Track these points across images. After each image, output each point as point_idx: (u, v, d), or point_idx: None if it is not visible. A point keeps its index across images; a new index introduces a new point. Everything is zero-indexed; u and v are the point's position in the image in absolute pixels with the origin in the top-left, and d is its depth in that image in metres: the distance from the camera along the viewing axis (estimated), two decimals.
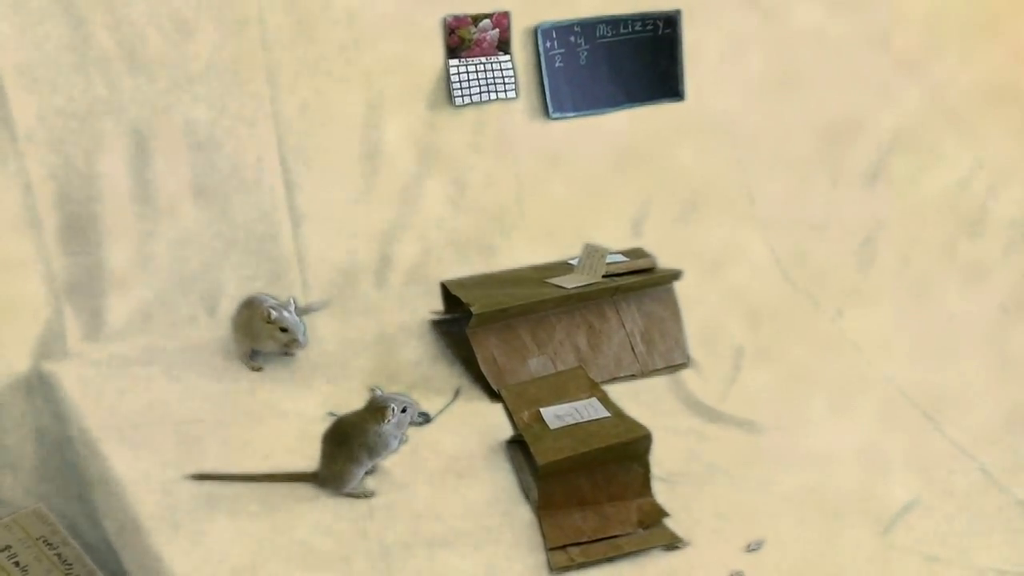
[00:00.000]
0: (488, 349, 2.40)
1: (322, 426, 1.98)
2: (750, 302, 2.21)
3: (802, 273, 2.19)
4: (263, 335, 2.30)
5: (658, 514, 2.01)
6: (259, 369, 2.33)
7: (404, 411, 1.99)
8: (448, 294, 2.48)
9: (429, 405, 2.27)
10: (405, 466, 2.03)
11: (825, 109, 2.23)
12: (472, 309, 2.34)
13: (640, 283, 2.48)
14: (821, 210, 2.15)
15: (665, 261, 2.36)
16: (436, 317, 2.54)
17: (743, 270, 2.26)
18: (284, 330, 2.26)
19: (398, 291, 2.47)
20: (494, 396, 2.33)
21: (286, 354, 2.33)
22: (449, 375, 2.38)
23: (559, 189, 2.31)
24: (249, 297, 2.35)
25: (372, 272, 2.50)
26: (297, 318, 2.28)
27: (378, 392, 2.01)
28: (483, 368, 2.37)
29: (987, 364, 2.04)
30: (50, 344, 2.06)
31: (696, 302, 2.19)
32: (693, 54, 2.25)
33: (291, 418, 2.09)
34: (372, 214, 2.42)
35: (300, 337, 2.27)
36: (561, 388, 2.20)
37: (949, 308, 2.10)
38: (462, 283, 2.49)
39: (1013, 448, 1.91)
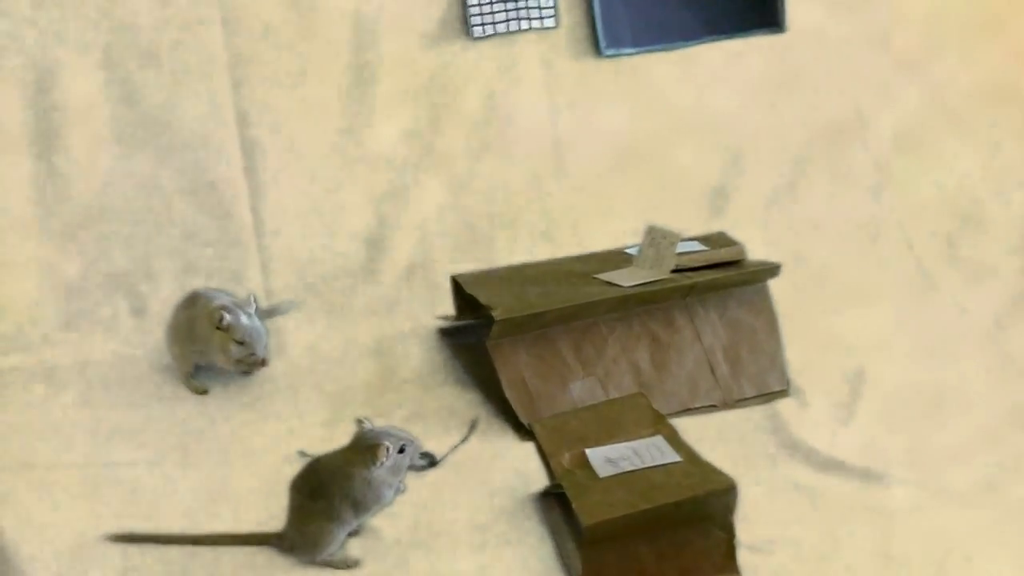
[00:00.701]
0: (516, 368, 2.38)
1: (291, 470, 1.97)
2: None
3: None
4: (211, 346, 2.28)
5: None
6: (203, 392, 2.33)
7: (402, 451, 1.99)
8: (462, 293, 2.46)
9: (435, 444, 2.25)
10: (401, 526, 2.03)
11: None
12: (493, 314, 2.32)
13: (723, 280, 2.47)
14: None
15: None
16: (445, 324, 2.54)
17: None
18: (240, 343, 2.25)
19: (393, 289, 2.50)
20: (524, 432, 2.31)
21: (243, 373, 2.32)
22: (463, 402, 2.39)
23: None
24: (191, 293, 2.31)
25: (358, 264, 2.52)
26: (259, 324, 2.27)
27: (367, 425, 2.00)
28: (508, 394, 2.35)
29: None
30: None
31: None
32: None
33: (248, 459, 2.12)
34: (357, 188, 2.50)
35: (260, 350, 2.25)
36: (615, 422, 2.19)
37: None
38: (480, 278, 2.49)
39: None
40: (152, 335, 2.35)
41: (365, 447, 1.97)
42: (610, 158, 2.55)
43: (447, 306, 2.54)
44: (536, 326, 2.38)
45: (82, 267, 2.33)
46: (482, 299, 2.39)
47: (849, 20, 2.62)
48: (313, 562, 1.96)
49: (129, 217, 2.38)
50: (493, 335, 2.35)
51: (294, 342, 2.39)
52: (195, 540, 1.94)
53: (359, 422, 2.00)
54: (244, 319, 2.25)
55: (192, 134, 2.38)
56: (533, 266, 2.59)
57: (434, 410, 2.36)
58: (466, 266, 2.51)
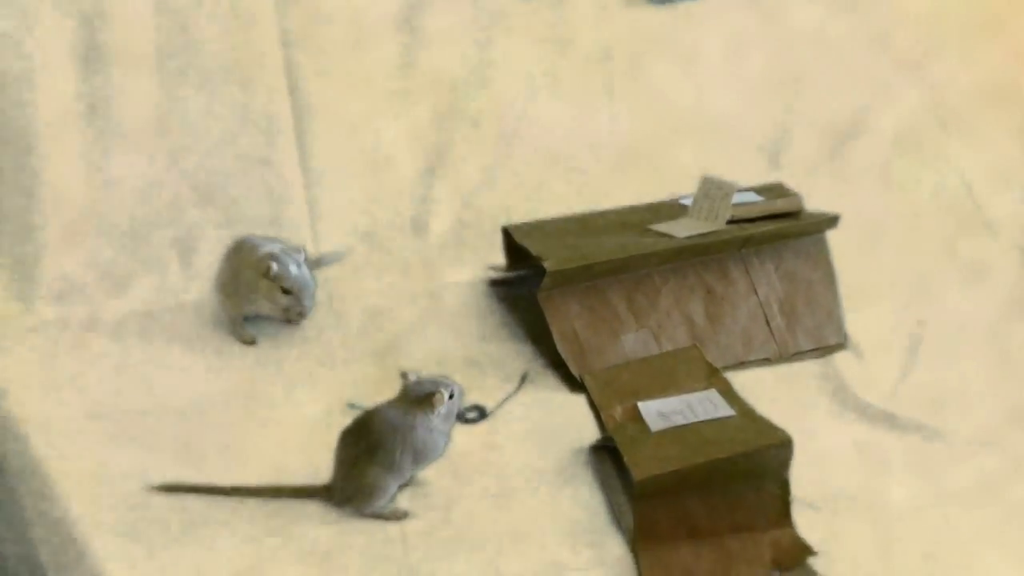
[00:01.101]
0: (567, 320, 2.36)
1: (339, 421, 1.99)
2: None
3: None
4: (257, 294, 2.29)
5: (800, 552, 1.98)
6: (252, 342, 2.33)
7: (451, 397, 1.99)
8: (512, 244, 2.45)
9: (484, 396, 2.24)
10: (449, 479, 2.03)
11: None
12: (545, 265, 2.30)
13: (779, 232, 2.45)
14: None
15: None
16: (496, 275, 2.54)
17: None
18: (288, 292, 2.25)
19: (442, 240, 2.52)
20: (575, 384, 2.30)
21: (288, 321, 2.32)
22: (513, 354, 2.36)
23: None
24: (238, 240, 2.33)
25: (407, 214, 2.54)
26: (307, 274, 2.27)
27: (412, 377, 2.01)
28: (560, 346, 2.33)
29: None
30: None
31: None
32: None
33: (296, 410, 2.14)
34: (408, 136, 2.52)
35: (307, 301, 2.26)
36: (668, 375, 2.19)
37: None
38: (532, 229, 2.47)
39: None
40: (200, 284, 2.38)
41: (422, 395, 1.99)
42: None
43: (497, 256, 2.54)
44: (588, 277, 2.37)
45: (130, 214, 2.37)
46: (533, 250, 2.37)
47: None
48: (363, 514, 1.97)
49: (175, 161, 2.42)
50: (544, 286, 2.33)
51: (342, 292, 2.39)
52: (240, 492, 1.93)
53: (403, 375, 2.02)
54: (293, 268, 2.26)
55: (241, 77, 2.43)
56: (585, 217, 2.56)
57: (484, 362, 2.33)
58: (518, 216, 2.50)
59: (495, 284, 2.51)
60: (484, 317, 2.44)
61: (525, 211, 2.51)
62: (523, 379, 2.34)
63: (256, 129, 2.44)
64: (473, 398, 2.20)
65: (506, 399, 2.28)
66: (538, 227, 2.50)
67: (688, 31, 2.60)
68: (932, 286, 2.42)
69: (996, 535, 1.95)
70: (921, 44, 2.65)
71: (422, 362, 2.22)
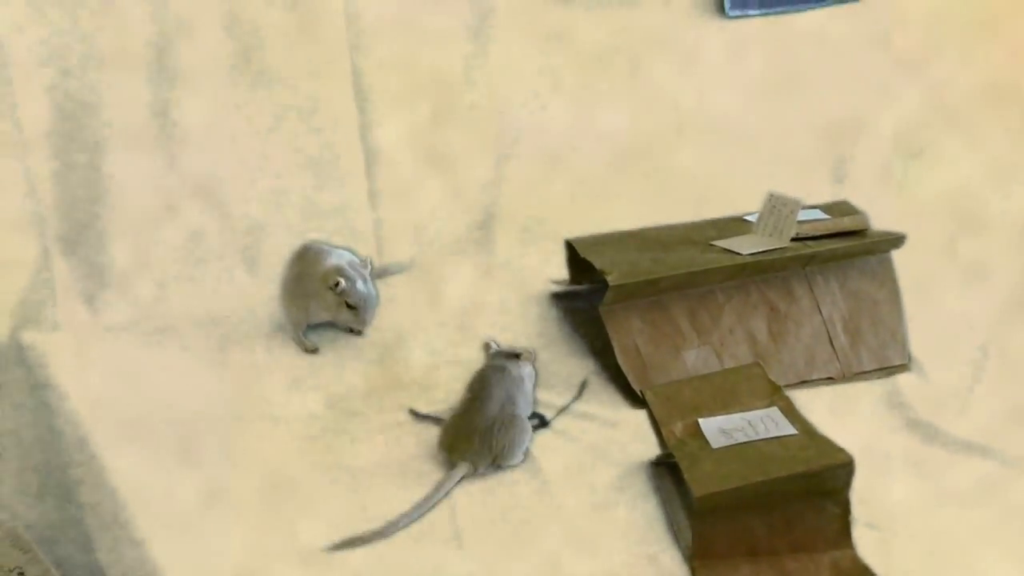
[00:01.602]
0: (629, 335, 2.35)
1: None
2: None
3: None
4: (319, 301, 2.31)
5: (861, 574, 1.95)
6: (314, 351, 2.34)
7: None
8: (576, 257, 2.44)
9: (545, 407, 2.23)
10: (506, 485, 2.04)
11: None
12: (608, 279, 2.29)
13: (845, 250, 2.42)
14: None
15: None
16: (558, 288, 2.53)
17: None
18: (352, 307, 2.29)
19: (506, 253, 2.52)
20: (636, 399, 2.27)
21: (348, 331, 2.36)
22: (573, 366, 2.35)
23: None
24: (302, 246, 2.34)
25: (471, 226, 2.56)
26: (373, 291, 2.30)
27: (494, 346, 2.15)
28: (621, 360, 2.33)
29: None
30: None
31: None
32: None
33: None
34: (471, 147, 2.54)
35: (368, 317, 2.30)
36: (729, 392, 2.15)
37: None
38: (595, 242, 2.45)
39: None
40: (265, 290, 2.39)
41: (512, 354, 2.15)
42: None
43: (559, 269, 2.54)
44: (651, 292, 2.35)
45: (199, 219, 2.38)
46: (596, 263, 2.35)
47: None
48: (512, 463, 2.09)
49: (244, 171, 2.44)
50: (607, 300, 2.32)
51: (405, 303, 2.41)
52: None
53: (486, 345, 2.14)
54: (360, 284, 2.28)
55: (306, 92, 2.44)
56: (649, 231, 2.54)
57: (545, 374, 2.30)
58: (581, 226, 2.48)
59: (557, 297, 2.51)
60: (545, 330, 2.44)
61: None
62: (582, 387, 2.33)
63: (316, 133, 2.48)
64: (536, 407, 2.20)
65: (566, 407, 2.28)
66: (601, 241, 2.48)
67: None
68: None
69: (996, 535, 1.95)
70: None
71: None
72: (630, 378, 2.33)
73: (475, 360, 2.15)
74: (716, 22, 2.64)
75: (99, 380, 2.13)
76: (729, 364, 2.35)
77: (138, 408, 2.06)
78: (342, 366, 2.26)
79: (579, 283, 2.50)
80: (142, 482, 1.91)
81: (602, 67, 2.60)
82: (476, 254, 2.51)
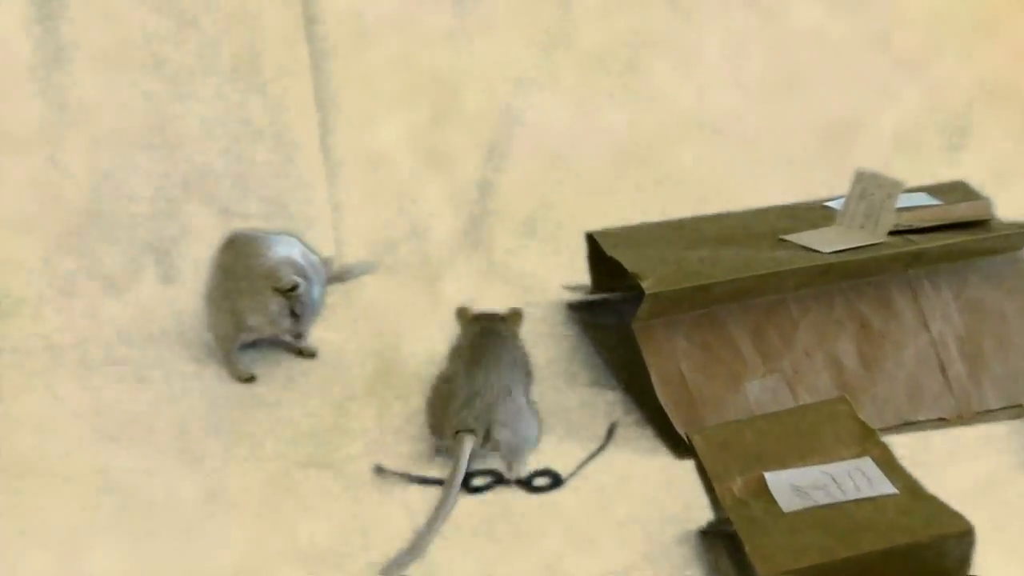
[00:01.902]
0: (671, 359, 2.20)
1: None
2: None
3: None
4: (256, 308, 2.22)
5: None
6: (250, 379, 2.25)
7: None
8: (599, 255, 2.33)
9: (559, 456, 2.12)
10: (504, 488, 2.03)
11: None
12: (643, 285, 2.15)
13: (961, 247, 2.31)
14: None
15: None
16: (576, 297, 2.47)
17: None
18: (297, 316, 2.21)
19: (503, 252, 2.53)
20: (680, 446, 2.13)
21: (299, 353, 2.32)
22: (597, 403, 2.23)
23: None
24: (234, 235, 2.30)
25: (470, 226, 2.57)
26: (318, 298, 2.25)
27: (472, 310, 2.19)
28: (661, 394, 2.17)
29: None
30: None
31: None
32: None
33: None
34: (470, 147, 2.60)
35: (309, 326, 2.25)
36: (806, 437, 2.01)
37: None
38: (626, 236, 2.35)
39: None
40: (181, 301, 2.39)
41: (508, 315, 2.17)
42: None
43: (576, 271, 2.44)
44: (701, 303, 2.20)
45: (132, 213, 2.48)
46: (628, 265, 2.20)
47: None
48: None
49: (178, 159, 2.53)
50: (642, 314, 2.16)
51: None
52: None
53: (461, 309, 2.18)
54: (316, 289, 2.23)
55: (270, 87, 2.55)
56: (697, 221, 2.41)
57: (558, 412, 2.19)
58: (581, 226, 2.41)
59: (575, 309, 2.42)
60: (558, 353, 2.33)
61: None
62: (610, 434, 2.19)
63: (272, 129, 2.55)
64: (544, 458, 2.08)
65: (587, 461, 2.14)
66: (633, 234, 2.36)
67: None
68: None
69: (996, 535, 1.88)
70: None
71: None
72: (673, 417, 2.17)
73: None
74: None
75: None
76: (805, 399, 2.20)
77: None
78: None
79: (603, 290, 2.41)
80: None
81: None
82: (474, 254, 2.53)
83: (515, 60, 2.64)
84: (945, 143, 2.72)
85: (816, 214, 2.39)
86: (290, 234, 2.31)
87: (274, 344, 2.31)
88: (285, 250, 2.25)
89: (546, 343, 2.34)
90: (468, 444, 2.05)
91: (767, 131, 2.68)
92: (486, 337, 2.16)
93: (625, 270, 2.22)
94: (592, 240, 2.35)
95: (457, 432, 2.07)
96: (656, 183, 2.62)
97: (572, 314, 2.42)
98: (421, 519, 1.96)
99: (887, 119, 2.72)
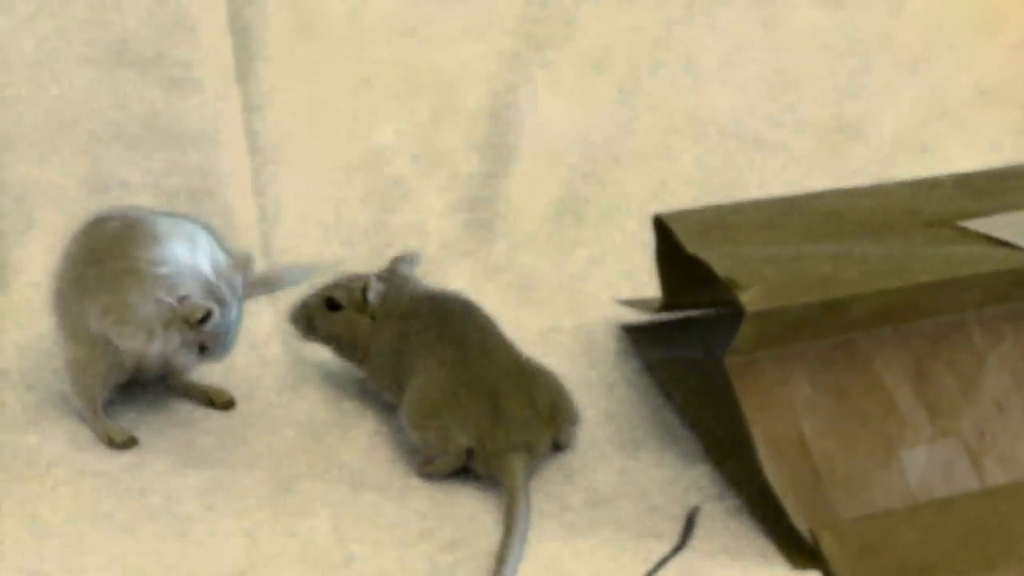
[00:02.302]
0: (786, 413, 1.76)
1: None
2: None
3: None
4: (142, 323, 1.83)
5: None
6: (128, 443, 1.89)
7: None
8: (671, 249, 1.92)
9: (614, 555, 1.75)
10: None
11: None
12: (742, 299, 1.69)
13: None
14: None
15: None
16: (636, 320, 2.12)
17: None
18: (203, 348, 1.85)
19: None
20: (799, 548, 1.72)
21: (199, 395, 1.99)
22: (669, 479, 1.87)
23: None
24: (100, 218, 1.91)
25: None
26: (236, 319, 1.88)
27: (406, 262, 1.99)
28: (768, 467, 1.72)
29: None
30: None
31: None
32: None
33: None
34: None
35: (219, 356, 1.89)
36: (999, 537, 1.69)
37: None
38: (713, 221, 1.93)
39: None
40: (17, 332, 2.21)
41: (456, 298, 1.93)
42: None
43: (630, 282, 2.21)
44: (832, 328, 1.76)
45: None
46: (718, 267, 1.74)
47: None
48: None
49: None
50: (740, 344, 1.72)
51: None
52: None
53: (395, 262, 1.94)
54: (231, 312, 1.85)
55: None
56: (821, 200, 1.99)
57: (614, 487, 1.84)
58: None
59: (636, 335, 2.09)
60: (612, 402, 1.97)
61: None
62: (688, 527, 1.79)
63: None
64: (598, 561, 1.73)
65: (657, 568, 1.75)
66: (727, 218, 1.92)
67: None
68: None
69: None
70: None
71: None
72: (787, 504, 1.72)
73: None
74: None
75: None
76: (997, 477, 1.77)
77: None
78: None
79: (679, 306, 2.03)
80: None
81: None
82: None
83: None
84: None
85: (1009, 187, 2.03)
86: (188, 219, 1.98)
87: (159, 384, 2.08)
88: (183, 250, 1.86)
89: (591, 388, 2.05)
90: (518, 466, 1.82)
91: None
92: (467, 311, 1.93)
93: (713, 274, 1.82)
94: (661, 226, 1.96)
95: (502, 455, 1.85)
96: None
97: (630, 342, 2.12)
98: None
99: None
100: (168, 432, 2.01)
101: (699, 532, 1.83)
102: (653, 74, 2.73)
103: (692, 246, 1.84)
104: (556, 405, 1.88)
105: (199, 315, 1.81)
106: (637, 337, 2.11)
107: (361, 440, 2.02)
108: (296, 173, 2.55)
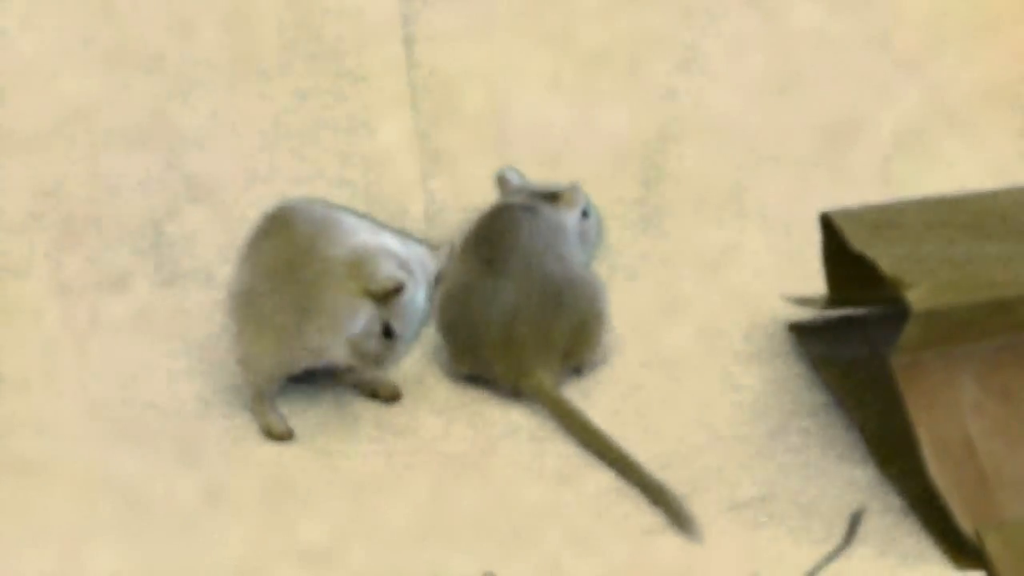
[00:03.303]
0: (952, 414, 1.77)
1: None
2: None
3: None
4: (332, 319, 1.81)
5: None
6: (286, 436, 1.90)
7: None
8: (837, 247, 1.93)
9: (776, 557, 1.76)
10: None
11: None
12: (908, 297, 1.71)
13: None
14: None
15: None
16: (804, 319, 2.11)
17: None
18: (389, 335, 1.82)
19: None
20: (963, 549, 1.71)
21: (365, 387, 1.96)
22: (832, 479, 1.86)
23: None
24: (284, 208, 1.91)
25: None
26: (422, 303, 1.87)
27: (515, 178, 2.07)
28: (933, 468, 1.72)
29: None
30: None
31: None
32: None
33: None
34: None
35: (402, 350, 1.84)
36: None
37: None
38: (882, 219, 1.94)
39: None
40: (197, 283, 2.28)
41: (547, 194, 1.99)
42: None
43: (797, 277, 2.16)
44: (997, 327, 1.76)
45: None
46: (884, 265, 1.77)
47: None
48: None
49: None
50: (906, 343, 1.73)
51: None
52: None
53: (500, 178, 2.04)
54: (419, 293, 1.82)
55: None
56: (985, 200, 2.02)
57: (777, 485, 1.84)
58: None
59: (800, 332, 2.10)
60: (774, 400, 1.98)
61: None
62: (852, 527, 1.79)
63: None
64: (760, 558, 1.75)
65: (820, 567, 1.76)
66: (895, 217, 1.94)
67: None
68: None
69: None
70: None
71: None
72: (953, 505, 1.73)
73: None
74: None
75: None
76: None
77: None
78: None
79: (841, 303, 2.05)
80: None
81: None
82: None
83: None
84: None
85: None
86: (367, 217, 2.00)
87: (326, 378, 2.06)
88: (371, 235, 1.87)
89: (755, 385, 2.03)
90: (542, 387, 1.84)
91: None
92: (519, 215, 1.93)
93: (879, 273, 1.82)
94: (829, 226, 1.98)
95: (516, 380, 1.88)
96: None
97: (796, 342, 2.11)
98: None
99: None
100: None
101: (862, 532, 1.83)
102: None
103: (859, 244, 1.85)
104: (577, 332, 1.89)
105: (390, 286, 1.77)
106: (803, 335, 2.11)
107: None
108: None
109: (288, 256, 1.84)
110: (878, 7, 2.79)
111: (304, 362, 1.87)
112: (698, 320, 2.27)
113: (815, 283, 2.26)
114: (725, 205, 2.49)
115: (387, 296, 1.80)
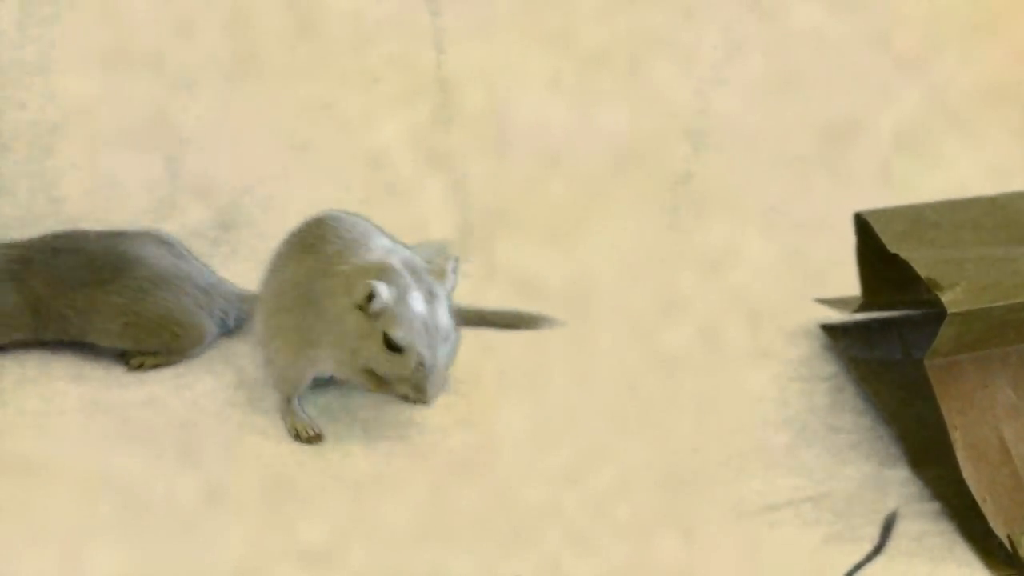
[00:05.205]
0: (987, 418, 1.76)
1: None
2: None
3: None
4: (344, 339, 1.82)
5: None
6: (315, 438, 1.89)
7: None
8: (870, 247, 1.92)
9: (811, 558, 1.74)
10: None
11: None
12: (944, 299, 1.70)
13: None
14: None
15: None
16: (834, 319, 2.09)
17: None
18: (398, 349, 1.77)
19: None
20: (996, 553, 1.70)
21: (405, 400, 1.85)
22: (867, 481, 1.84)
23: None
24: (315, 219, 1.92)
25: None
26: (446, 316, 1.81)
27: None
28: (968, 471, 1.72)
29: None
30: None
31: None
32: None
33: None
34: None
35: (432, 367, 1.78)
36: None
37: None
38: (912, 218, 1.92)
39: None
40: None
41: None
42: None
43: (828, 280, 2.12)
44: None
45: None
46: (920, 267, 1.75)
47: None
48: None
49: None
50: (941, 346, 1.72)
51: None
52: None
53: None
54: (416, 302, 1.77)
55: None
56: (1020, 201, 1.99)
57: (811, 487, 1.81)
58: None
59: (833, 334, 2.07)
60: (807, 402, 1.95)
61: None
62: (887, 530, 1.77)
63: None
64: (794, 560, 1.72)
65: (856, 568, 1.73)
66: (930, 217, 1.92)
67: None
68: None
69: None
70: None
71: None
72: (986, 510, 1.72)
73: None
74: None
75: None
76: None
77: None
78: None
79: (877, 304, 2.01)
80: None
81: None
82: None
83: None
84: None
85: None
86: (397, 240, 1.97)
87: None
88: (384, 254, 1.83)
89: (789, 387, 2.00)
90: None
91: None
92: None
93: (914, 274, 1.81)
94: (863, 225, 1.95)
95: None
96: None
97: (830, 343, 2.10)
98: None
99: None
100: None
101: (896, 534, 1.81)
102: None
103: (894, 245, 1.83)
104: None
105: (360, 293, 1.75)
106: (837, 336, 2.08)
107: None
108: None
109: (310, 270, 1.86)
110: (878, 7, 2.78)
111: (326, 372, 1.88)
112: (698, 320, 2.25)
113: (815, 283, 2.27)
114: (725, 205, 2.47)
115: (364, 305, 1.77)
